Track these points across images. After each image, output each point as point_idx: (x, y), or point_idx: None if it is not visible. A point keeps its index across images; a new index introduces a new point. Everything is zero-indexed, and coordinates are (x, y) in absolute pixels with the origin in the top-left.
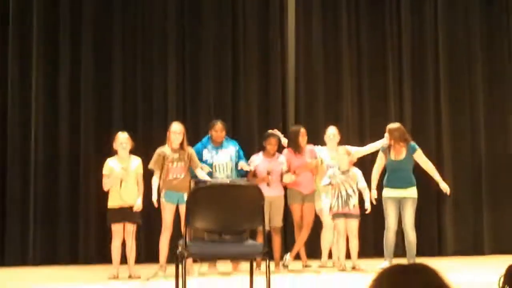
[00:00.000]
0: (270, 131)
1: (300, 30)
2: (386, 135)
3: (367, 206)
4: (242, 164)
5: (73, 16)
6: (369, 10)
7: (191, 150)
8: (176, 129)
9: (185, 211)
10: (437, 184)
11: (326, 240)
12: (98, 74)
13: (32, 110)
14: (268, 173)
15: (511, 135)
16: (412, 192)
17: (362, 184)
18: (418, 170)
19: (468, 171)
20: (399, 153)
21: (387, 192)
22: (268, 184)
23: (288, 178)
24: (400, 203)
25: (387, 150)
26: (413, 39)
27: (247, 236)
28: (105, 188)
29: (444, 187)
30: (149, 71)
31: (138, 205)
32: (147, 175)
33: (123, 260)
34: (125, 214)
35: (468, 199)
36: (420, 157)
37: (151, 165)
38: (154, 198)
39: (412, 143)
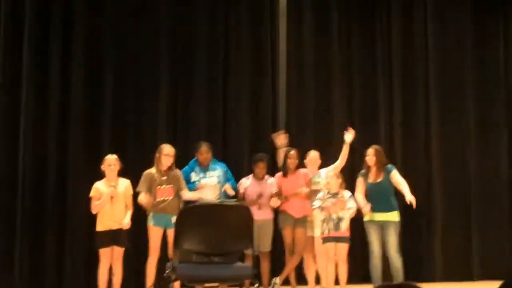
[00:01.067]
0: (260, 154)
1: (291, 49)
2: (371, 156)
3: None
4: (227, 187)
5: (64, 36)
6: (360, 18)
7: (178, 172)
8: (169, 152)
9: (174, 232)
10: (426, 207)
11: (312, 266)
12: (88, 95)
13: (20, 134)
14: (258, 197)
15: (501, 159)
16: (393, 216)
17: (352, 204)
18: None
19: (457, 194)
20: (378, 176)
21: (368, 217)
22: (258, 207)
23: (273, 202)
24: (382, 227)
25: (365, 173)
26: (404, 49)
27: (236, 259)
28: (94, 211)
29: (410, 199)
30: (140, 93)
31: (125, 223)
32: (136, 197)
33: (110, 286)
34: (114, 237)
35: (457, 223)
36: (394, 175)
37: (139, 188)
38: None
39: (389, 165)
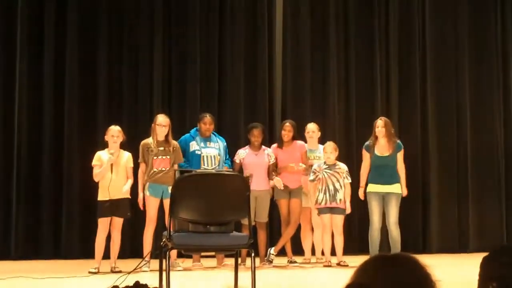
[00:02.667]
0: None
1: (288, 20)
2: (380, 128)
3: (347, 207)
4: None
5: (58, 4)
6: (358, 2)
7: (176, 144)
8: (162, 122)
9: (169, 201)
10: (421, 181)
11: (308, 237)
12: (82, 64)
13: (16, 102)
14: (248, 177)
15: (496, 131)
16: (396, 188)
17: (348, 179)
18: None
19: (453, 167)
20: (387, 149)
21: (371, 188)
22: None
23: (278, 183)
24: (384, 199)
25: (371, 146)
26: (400, 31)
27: (232, 228)
28: (96, 179)
29: (403, 191)
30: (134, 63)
31: (125, 189)
32: (136, 169)
33: (107, 255)
34: (114, 207)
35: (453, 196)
36: (400, 158)
37: (140, 159)
38: (140, 198)
39: (399, 141)
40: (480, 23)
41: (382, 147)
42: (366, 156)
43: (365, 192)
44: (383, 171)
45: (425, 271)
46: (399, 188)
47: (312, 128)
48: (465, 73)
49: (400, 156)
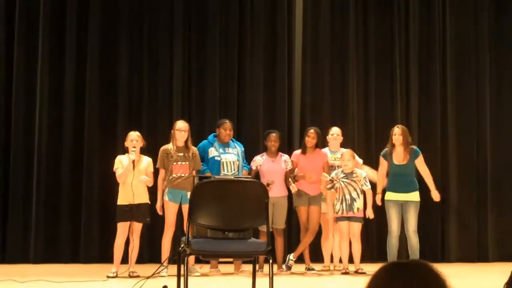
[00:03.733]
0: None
1: (307, 27)
2: (397, 135)
3: (369, 213)
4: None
5: (79, 10)
6: (378, 2)
7: (195, 149)
8: (181, 127)
9: (188, 207)
10: (441, 189)
11: (328, 244)
12: (103, 70)
13: (37, 107)
14: (268, 185)
15: None
16: (414, 196)
17: (367, 186)
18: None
19: (473, 176)
20: (404, 158)
21: (389, 196)
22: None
23: (292, 189)
24: (402, 207)
25: (388, 154)
26: (421, 34)
27: (250, 234)
28: (120, 180)
29: (436, 195)
30: (154, 69)
31: (143, 178)
32: (156, 175)
33: (125, 260)
34: (134, 212)
35: (472, 205)
36: (421, 163)
37: (159, 164)
38: (159, 205)
39: (416, 147)
40: (501, 26)
41: (399, 156)
42: (383, 164)
43: (382, 200)
44: (401, 180)
45: (439, 277)
46: (417, 196)
47: (337, 131)
48: (486, 80)
49: (419, 161)
